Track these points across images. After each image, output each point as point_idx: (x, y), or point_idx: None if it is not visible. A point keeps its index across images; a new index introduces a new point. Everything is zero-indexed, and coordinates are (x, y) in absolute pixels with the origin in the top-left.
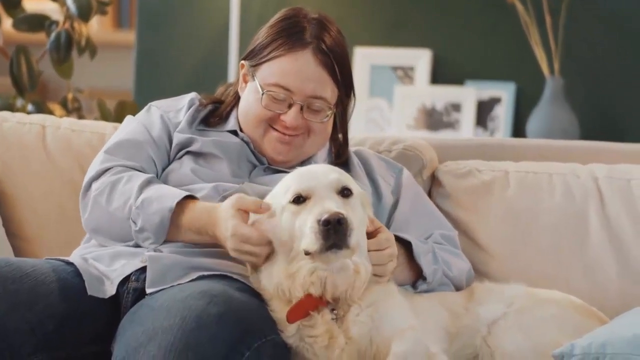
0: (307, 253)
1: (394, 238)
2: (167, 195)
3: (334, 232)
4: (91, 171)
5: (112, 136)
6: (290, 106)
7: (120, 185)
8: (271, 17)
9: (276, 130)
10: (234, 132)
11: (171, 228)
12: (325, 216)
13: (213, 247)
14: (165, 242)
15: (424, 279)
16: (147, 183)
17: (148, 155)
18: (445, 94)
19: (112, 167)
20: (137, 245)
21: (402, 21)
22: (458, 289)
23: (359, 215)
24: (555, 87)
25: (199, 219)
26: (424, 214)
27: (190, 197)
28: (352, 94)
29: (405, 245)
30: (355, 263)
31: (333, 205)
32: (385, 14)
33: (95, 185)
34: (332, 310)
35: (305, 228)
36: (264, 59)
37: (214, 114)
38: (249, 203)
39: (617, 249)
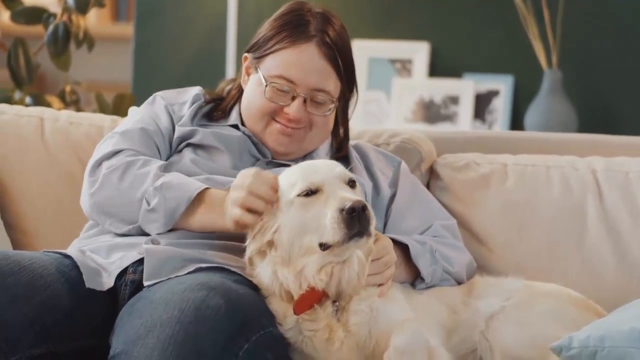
0: (325, 247)
1: (391, 244)
2: (187, 184)
3: (358, 220)
4: (102, 150)
5: (120, 124)
6: (293, 98)
7: (135, 167)
8: (268, 8)
9: (278, 122)
10: (236, 127)
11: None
12: (348, 204)
13: (210, 239)
14: (170, 230)
15: (422, 279)
16: (165, 168)
17: (155, 145)
18: (444, 86)
19: (124, 150)
20: (139, 233)
21: (401, 14)
22: (459, 282)
23: None
24: (553, 80)
25: (212, 194)
26: (421, 204)
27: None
28: (354, 88)
29: (403, 246)
30: (358, 255)
31: (350, 194)
32: (383, 6)
33: (107, 164)
34: (334, 302)
35: (323, 220)
36: (267, 51)
37: (217, 109)
38: (269, 179)
39: (615, 242)
